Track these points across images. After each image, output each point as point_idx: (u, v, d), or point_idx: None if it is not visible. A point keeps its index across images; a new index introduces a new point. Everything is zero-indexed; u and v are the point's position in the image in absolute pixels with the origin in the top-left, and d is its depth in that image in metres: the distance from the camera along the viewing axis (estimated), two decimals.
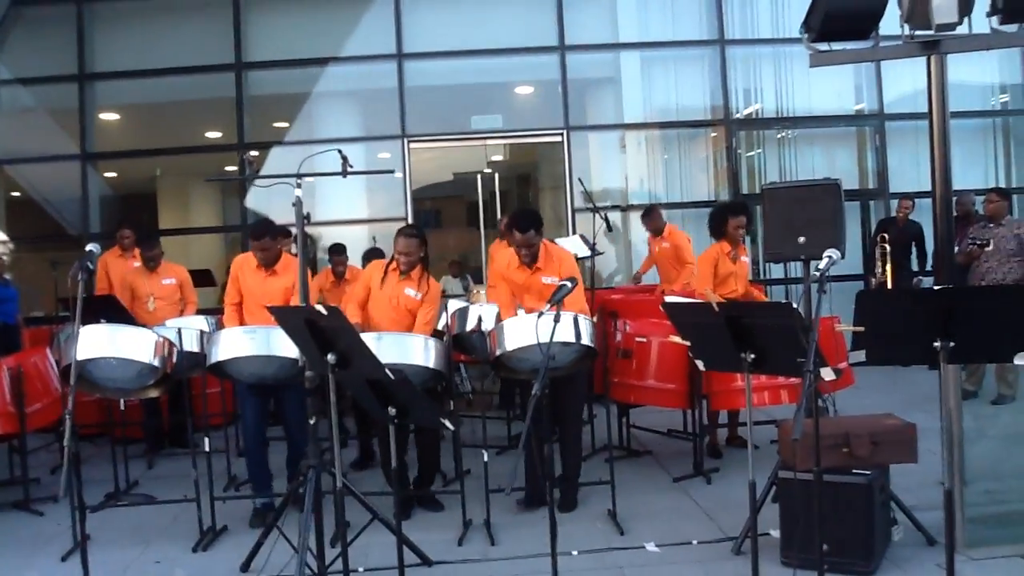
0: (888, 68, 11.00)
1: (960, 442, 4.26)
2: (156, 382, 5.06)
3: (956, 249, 6.88)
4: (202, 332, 5.55)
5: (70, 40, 10.83)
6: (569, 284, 3.95)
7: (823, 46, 4.53)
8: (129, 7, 11.03)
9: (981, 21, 4.35)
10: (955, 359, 3.15)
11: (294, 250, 8.69)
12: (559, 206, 11.39)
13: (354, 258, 7.81)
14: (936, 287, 3.79)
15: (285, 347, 4.65)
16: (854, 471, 4.06)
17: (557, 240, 8.13)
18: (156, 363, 4.88)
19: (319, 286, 7.39)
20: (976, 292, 4.39)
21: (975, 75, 11.25)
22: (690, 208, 11.07)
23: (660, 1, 11.30)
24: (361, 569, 4.32)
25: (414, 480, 5.40)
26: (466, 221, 13.55)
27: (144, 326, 5.50)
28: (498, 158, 12.72)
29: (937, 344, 3.10)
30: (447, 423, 3.87)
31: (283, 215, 7.57)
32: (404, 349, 4.87)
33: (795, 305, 3.36)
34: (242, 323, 5.32)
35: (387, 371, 3.54)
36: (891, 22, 4.39)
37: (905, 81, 10.76)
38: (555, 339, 3.62)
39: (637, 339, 5.87)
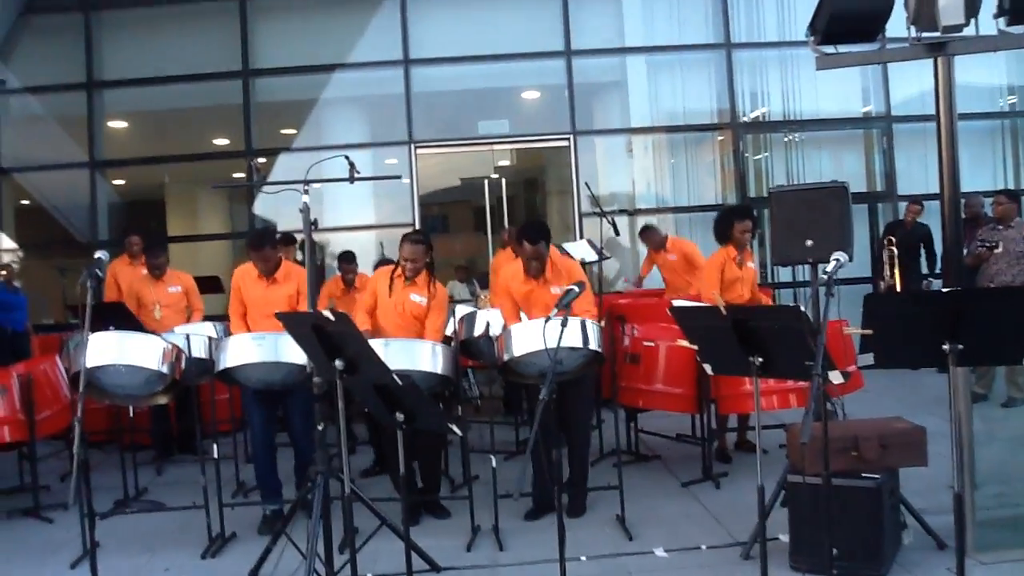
0: (895, 70, 10.99)
1: (970, 445, 4.24)
2: (165, 389, 5.07)
3: (965, 251, 6.86)
4: (210, 338, 5.56)
5: (78, 49, 10.91)
6: (576, 288, 3.95)
7: (829, 48, 4.51)
8: (136, 15, 11.10)
9: (988, 22, 4.34)
10: (964, 362, 3.14)
11: (299, 257, 8.74)
12: (566, 211, 11.40)
13: (362, 264, 7.81)
14: (945, 289, 3.77)
15: (293, 353, 4.64)
16: (863, 475, 4.04)
17: (564, 245, 8.15)
18: (165, 370, 4.89)
19: (329, 294, 7.41)
20: (985, 294, 4.36)
21: (983, 77, 11.23)
22: (697, 212, 11.07)
23: (666, 5, 11.32)
24: (369, 575, 4.31)
25: (420, 489, 5.39)
26: (473, 226, 13.56)
27: (152, 333, 5.52)
28: (505, 163, 12.73)
29: (946, 347, 3.09)
30: (455, 428, 3.86)
31: (291, 221, 7.59)
32: (412, 355, 4.87)
33: (803, 308, 3.35)
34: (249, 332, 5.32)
35: (394, 376, 3.55)
36: (898, 24, 4.37)
37: (912, 83, 10.74)
38: (563, 344, 3.62)
39: (645, 343, 5.86)
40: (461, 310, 6.31)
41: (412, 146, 10.86)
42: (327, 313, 3.64)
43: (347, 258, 7.49)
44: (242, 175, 11.10)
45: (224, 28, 10.98)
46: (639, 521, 4.97)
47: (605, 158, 11.48)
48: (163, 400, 5.23)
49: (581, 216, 10.84)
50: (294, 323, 3.97)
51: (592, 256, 8.03)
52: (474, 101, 11.43)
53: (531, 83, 11.53)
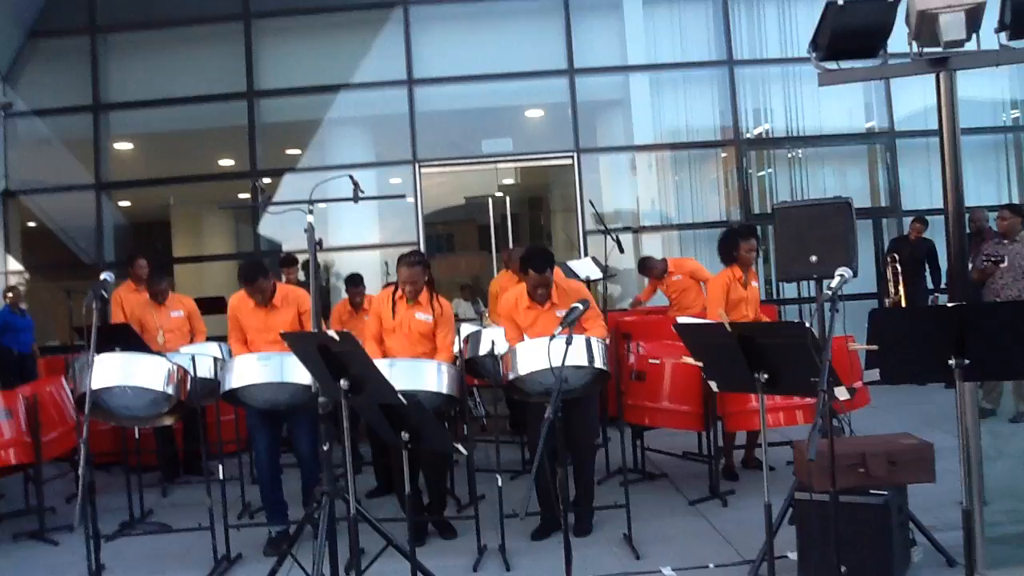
0: (898, 86, 11.00)
1: (979, 461, 4.21)
2: (170, 410, 5.07)
3: (971, 266, 6.85)
4: (216, 359, 5.57)
5: (85, 71, 10.99)
6: (580, 306, 3.95)
7: (832, 65, 4.52)
8: (142, 38, 11.18)
9: (990, 37, 4.34)
10: (971, 376, 3.13)
11: (302, 277, 8.76)
12: (570, 229, 11.41)
13: (369, 284, 7.81)
14: (950, 304, 3.76)
15: (298, 373, 4.65)
16: (871, 491, 4.02)
17: (569, 263, 8.16)
18: (170, 391, 4.89)
19: (338, 316, 7.43)
20: (991, 308, 4.35)
21: (986, 91, 11.25)
22: (701, 229, 11.07)
23: (668, 23, 11.36)
24: None
25: (426, 506, 5.38)
26: (478, 245, 13.60)
27: (158, 355, 5.52)
28: (509, 181, 12.77)
29: (952, 362, 3.08)
30: (460, 447, 3.85)
31: (295, 241, 7.61)
32: (417, 375, 4.87)
33: (808, 324, 3.34)
34: None
35: (399, 396, 3.54)
36: (900, 40, 4.39)
37: (915, 98, 10.75)
38: (568, 362, 3.61)
39: (651, 361, 5.85)
40: (466, 329, 6.31)
41: (416, 165, 10.89)
42: (331, 333, 3.64)
43: (354, 281, 7.50)
44: (247, 196, 11.13)
45: (229, 50, 11.05)
46: (646, 540, 4.94)
47: (609, 176, 11.50)
48: (168, 421, 5.23)
49: (585, 234, 10.85)
50: (299, 343, 3.97)
51: (596, 274, 8.04)
52: (478, 120, 11.47)
53: (534, 102, 11.57)
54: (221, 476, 4.92)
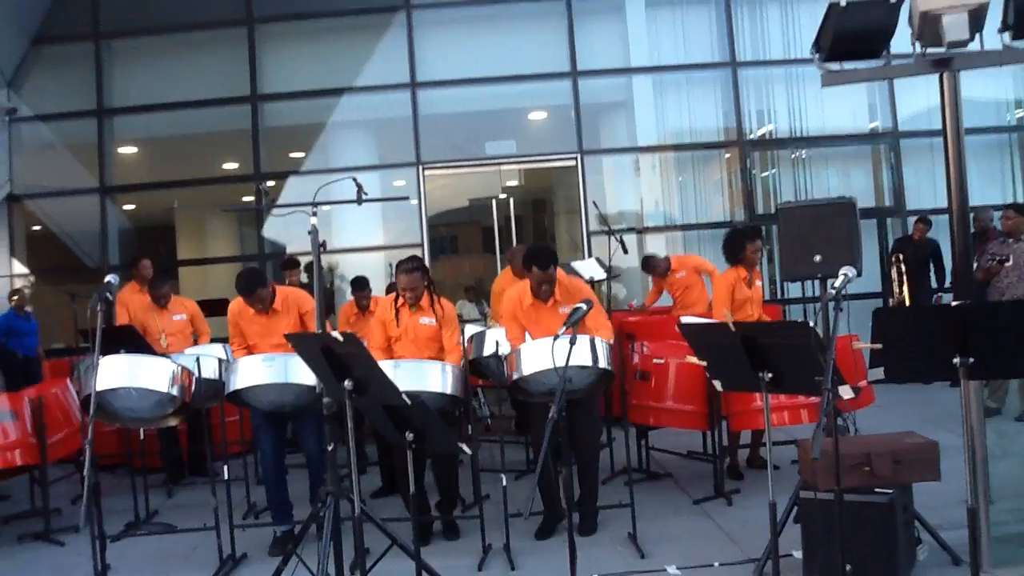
0: (901, 86, 11.01)
1: (984, 460, 4.20)
2: (175, 411, 5.08)
3: (975, 265, 6.85)
4: (220, 360, 5.58)
5: (89, 76, 11.02)
6: (584, 306, 3.95)
7: (835, 65, 4.52)
8: (146, 43, 11.21)
9: (993, 37, 4.35)
10: (976, 375, 3.13)
11: (305, 279, 8.78)
12: (574, 230, 11.41)
13: (373, 286, 7.79)
14: (955, 303, 3.76)
15: (303, 375, 4.65)
16: (876, 490, 4.02)
17: (573, 263, 8.16)
18: (175, 392, 4.90)
19: (345, 318, 7.44)
20: (995, 307, 4.35)
21: (990, 91, 11.24)
22: (705, 229, 11.08)
23: (671, 25, 11.37)
24: None
25: (436, 505, 5.38)
26: (482, 247, 13.61)
27: (163, 356, 5.53)
28: (513, 183, 12.78)
29: (957, 360, 3.08)
30: (464, 448, 3.86)
31: (299, 244, 7.62)
32: (421, 376, 4.87)
33: (812, 324, 3.35)
34: None
35: (403, 397, 3.55)
36: (903, 40, 4.39)
37: (919, 98, 10.74)
38: (572, 362, 3.62)
39: (655, 360, 5.86)
40: (470, 330, 6.32)
41: (420, 167, 10.90)
42: (335, 334, 3.65)
43: (360, 284, 7.49)
44: (251, 199, 11.16)
45: (232, 54, 11.08)
46: (651, 539, 4.95)
47: (612, 177, 11.50)
48: (173, 422, 5.24)
49: (589, 235, 10.85)
50: (303, 344, 3.98)
51: (600, 274, 8.04)
52: (481, 122, 11.49)
53: (538, 104, 11.58)
54: (226, 476, 4.93)
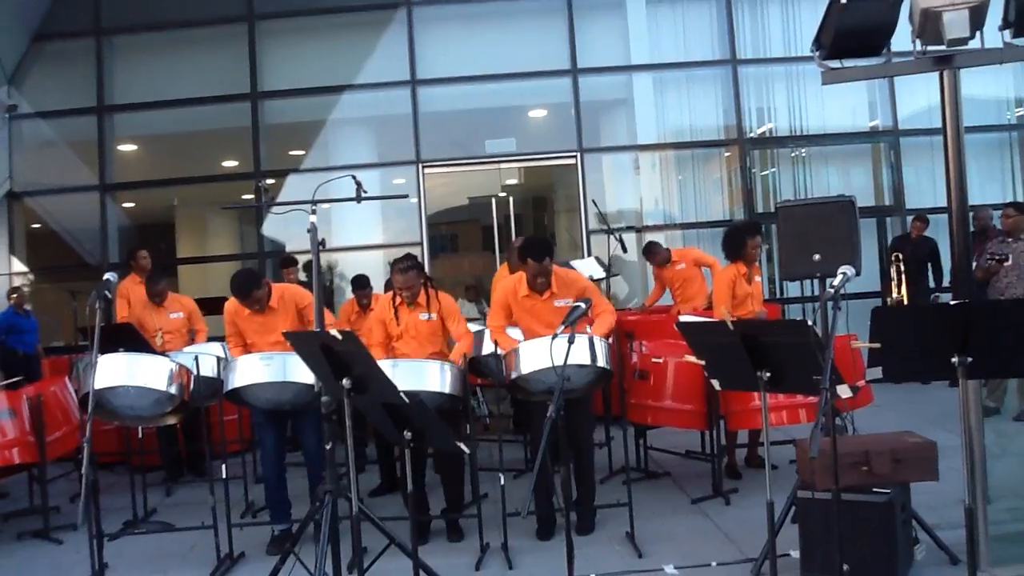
0: (902, 84, 10.98)
1: (982, 459, 4.20)
2: (174, 409, 5.08)
3: (975, 264, 6.83)
4: (219, 358, 5.57)
5: (89, 73, 11.00)
6: (583, 305, 3.95)
7: (835, 63, 4.52)
8: (146, 40, 11.20)
9: (993, 35, 4.34)
10: (974, 375, 3.13)
11: (303, 277, 8.76)
12: (574, 228, 11.40)
13: (372, 284, 7.79)
14: (953, 302, 3.76)
15: (301, 373, 4.65)
16: (874, 490, 4.02)
17: (572, 262, 8.15)
18: (173, 391, 4.90)
19: (346, 317, 7.44)
20: (994, 307, 4.34)
21: (990, 89, 11.21)
22: (705, 228, 11.06)
23: (671, 22, 11.35)
24: None
25: (442, 510, 5.36)
26: (481, 245, 13.57)
27: (162, 355, 5.54)
28: (512, 182, 12.76)
29: (955, 360, 3.08)
30: (462, 446, 3.86)
31: (299, 242, 7.61)
32: (419, 375, 4.87)
33: (811, 323, 3.34)
34: None
35: (402, 395, 3.55)
36: (903, 38, 4.39)
37: (919, 97, 10.71)
38: (570, 361, 3.62)
39: (653, 360, 5.85)
40: (470, 328, 6.30)
41: (420, 165, 10.89)
42: (334, 332, 3.64)
43: (360, 283, 7.48)
44: (251, 196, 11.14)
45: (232, 52, 11.06)
46: (649, 538, 4.95)
47: (612, 175, 11.48)
48: (172, 421, 5.24)
49: (589, 233, 10.83)
50: (302, 342, 3.98)
51: (600, 273, 8.04)
52: (481, 120, 11.46)
53: (538, 102, 11.56)
54: (224, 475, 4.93)
